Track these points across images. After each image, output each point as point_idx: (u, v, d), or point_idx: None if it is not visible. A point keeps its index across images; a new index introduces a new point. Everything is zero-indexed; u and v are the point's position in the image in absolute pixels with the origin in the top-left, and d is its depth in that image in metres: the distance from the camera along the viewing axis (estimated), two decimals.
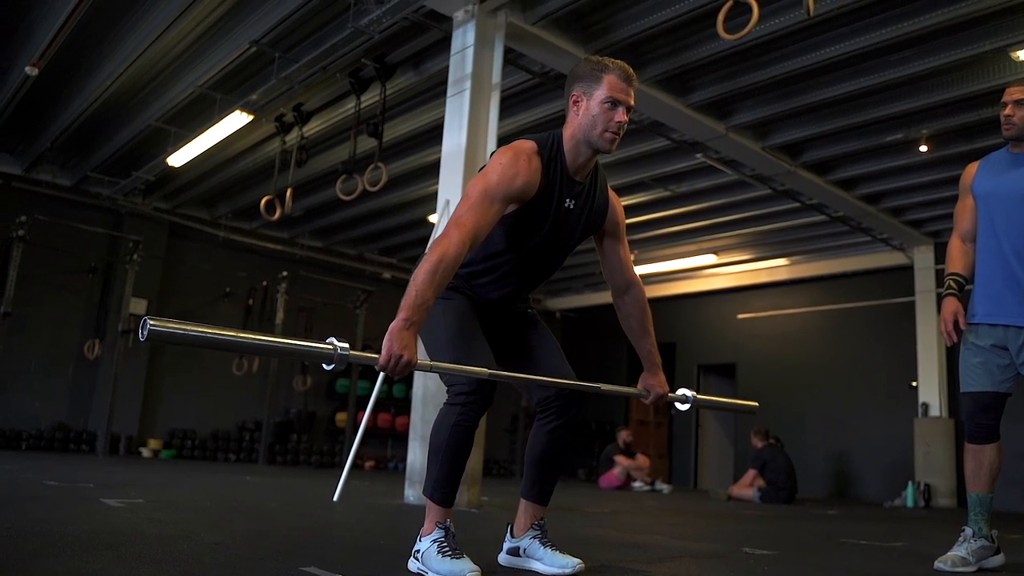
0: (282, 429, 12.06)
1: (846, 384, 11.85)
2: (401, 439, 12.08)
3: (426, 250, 2.30)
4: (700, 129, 7.85)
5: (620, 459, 11.05)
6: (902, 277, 11.30)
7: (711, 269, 13.34)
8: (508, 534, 2.66)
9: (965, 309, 3.22)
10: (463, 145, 5.89)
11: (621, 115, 2.42)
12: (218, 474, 7.64)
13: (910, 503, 10.02)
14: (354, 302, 11.83)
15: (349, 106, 7.84)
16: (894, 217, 10.28)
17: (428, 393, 5.54)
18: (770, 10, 5.98)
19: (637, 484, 10.89)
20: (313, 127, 8.44)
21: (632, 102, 2.46)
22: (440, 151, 6.20)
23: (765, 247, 12.15)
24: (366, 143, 7.90)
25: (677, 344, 14.19)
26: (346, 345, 2.02)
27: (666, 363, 12.21)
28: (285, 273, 11.13)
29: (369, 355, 2.11)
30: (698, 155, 8.50)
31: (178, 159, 9.19)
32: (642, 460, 11.37)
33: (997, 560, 3.16)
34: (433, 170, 8.61)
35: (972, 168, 3.39)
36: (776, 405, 12.32)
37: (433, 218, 11.00)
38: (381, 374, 5.84)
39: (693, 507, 7.29)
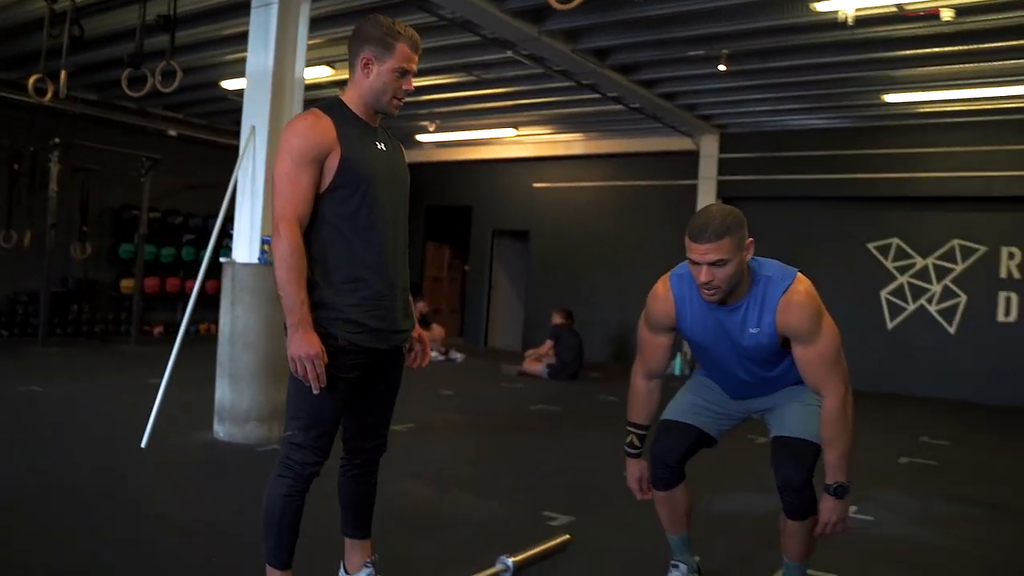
0: (61, 300, 11.31)
1: (631, 257, 12.56)
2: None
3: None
4: (512, 31, 7.72)
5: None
6: (689, 161, 12.00)
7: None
8: (342, 571, 2.83)
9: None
10: (270, 66, 5.49)
11: (409, 83, 2.55)
12: None
13: (677, 371, 11.14)
14: (138, 169, 10.95)
15: None
16: (688, 112, 10.79)
17: (235, 332, 5.46)
18: None
19: (433, 355, 11.32)
20: None
21: (416, 68, 2.56)
22: (241, 24, 5.64)
23: (563, 124, 12.38)
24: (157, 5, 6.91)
25: (473, 207, 14.47)
26: None
27: (462, 226, 12.65)
28: (57, 140, 9.99)
29: None
30: (508, 52, 8.40)
31: None
32: (437, 331, 11.79)
33: None
34: (231, 41, 8.04)
35: (667, 298, 2.90)
36: (566, 271, 13.08)
37: (226, 84, 10.24)
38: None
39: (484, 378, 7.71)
